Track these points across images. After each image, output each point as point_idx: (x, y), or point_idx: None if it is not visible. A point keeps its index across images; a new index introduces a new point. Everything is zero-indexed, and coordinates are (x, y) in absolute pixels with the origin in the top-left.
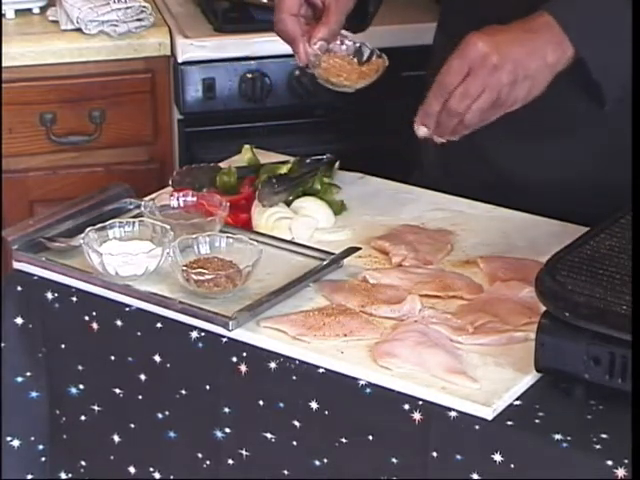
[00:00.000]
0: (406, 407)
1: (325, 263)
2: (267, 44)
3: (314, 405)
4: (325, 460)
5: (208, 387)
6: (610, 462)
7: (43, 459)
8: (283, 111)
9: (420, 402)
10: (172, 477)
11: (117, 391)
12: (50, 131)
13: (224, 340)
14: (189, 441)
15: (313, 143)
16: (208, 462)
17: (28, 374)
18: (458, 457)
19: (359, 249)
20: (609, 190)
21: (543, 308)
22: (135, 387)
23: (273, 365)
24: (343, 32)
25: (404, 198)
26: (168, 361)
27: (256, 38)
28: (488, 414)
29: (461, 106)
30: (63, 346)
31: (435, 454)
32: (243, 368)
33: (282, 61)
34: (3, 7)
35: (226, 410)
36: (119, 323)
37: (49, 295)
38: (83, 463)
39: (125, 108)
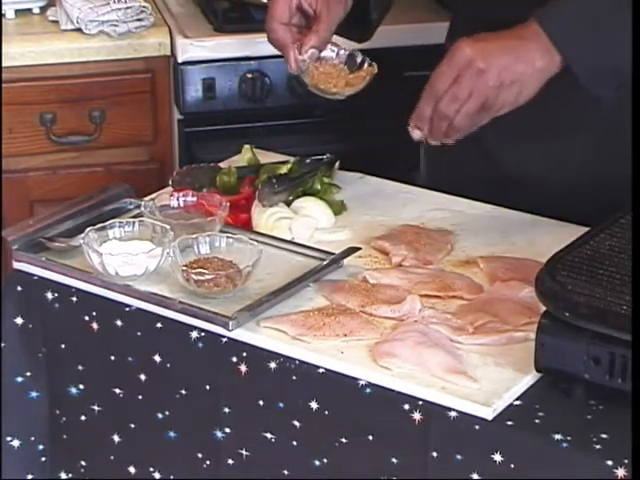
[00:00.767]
0: (406, 407)
1: (325, 263)
2: (267, 44)
3: (314, 405)
4: (325, 460)
5: (208, 387)
6: (610, 462)
7: (43, 459)
8: (283, 111)
9: (420, 402)
10: (172, 477)
11: (117, 391)
12: (50, 131)
13: (224, 340)
14: (189, 441)
15: (313, 143)
16: (208, 462)
17: (28, 374)
18: (458, 457)
19: (359, 249)
20: (609, 188)
21: (543, 308)
22: (135, 387)
23: (273, 365)
24: (335, 40)
25: (404, 198)
26: (168, 361)
27: (256, 38)
28: (488, 414)
29: (450, 109)
30: (63, 346)
31: (435, 454)
32: (243, 368)
33: (282, 61)
34: (3, 7)
35: (226, 410)
36: (119, 323)
37: (49, 295)
38: (83, 463)
39: (125, 108)
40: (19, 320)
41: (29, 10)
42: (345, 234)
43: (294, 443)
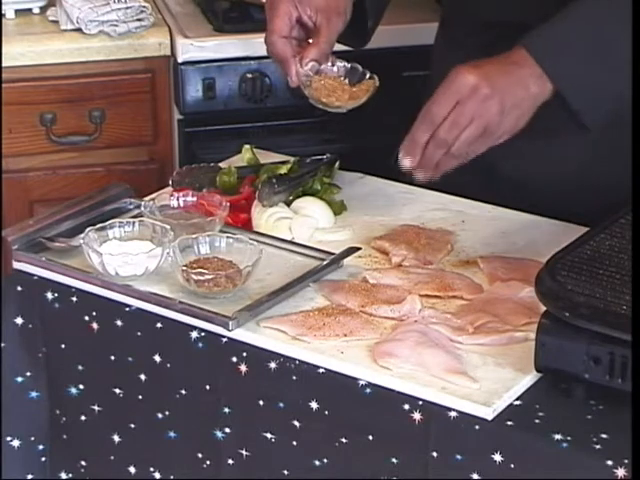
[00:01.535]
0: (406, 407)
1: (325, 263)
2: None
3: (314, 405)
4: (325, 460)
5: (208, 387)
6: (610, 462)
7: (43, 459)
8: (283, 111)
9: (420, 402)
10: (172, 477)
11: (117, 391)
12: (50, 131)
13: (224, 340)
14: (189, 441)
15: (313, 143)
16: (208, 462)
17: (28, 374)
18: (458, 457)
19: (359, 249)
20: (608, 188)
21: (543, 308)
22: (135, 387)
23: (273, 365)
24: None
25: (404, 198)
26: (168, 361)
27: (256, 38)
28: (488, 414)
29: (450, 136)
30: (63, 346)
31: (435, 454)
32: (243, 368)
33: None
34: (3, 7)
35: (226, 410)
36: (119, 323)
37: (49, 295)
38: (83, 463)
39: (125, 108)
40: (19, 320)
41: (29, 10)
42: (345, 234)
43: (294, 443)
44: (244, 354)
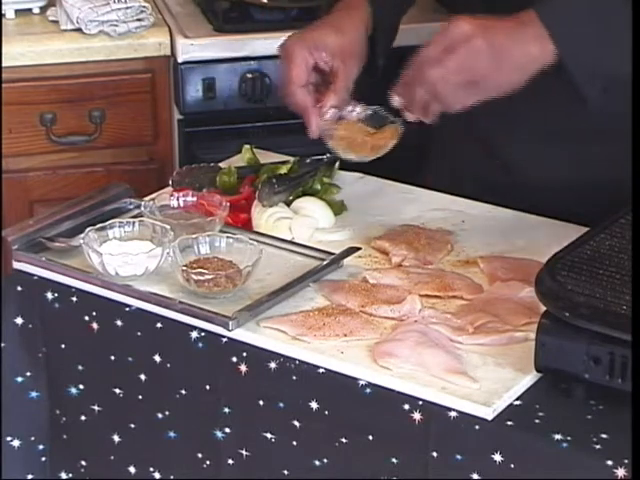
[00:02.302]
0: (406, 407)
1: (325, 263)
2: (267, 44)
3: (314, 405)
4: (325, 460)
5: (208, 387)
6: (610, 462)
7: (43, 459)
8: (283, 111)
9: (420, 402)
10: (172, 477)
11: (117, 391)
12: (50, 131)
13: (224, 340)
14: (189, 441)
15: (313, 143)
16: (208, 462)
17: (28, 374)
18: (458, 457)
19: (359, 249)
20: (608, 188)
21: (543, 308)
22: (135, 387)
23: (273, 365)
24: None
25: (404, 198)
26: (168, 361)
27: (256, 38)
28: (488, 414)
29: (433, 73)
30: (63, 346)
31: (435, 454)
32: (243, 368)
33: None
34: (3, 7)
35: (226, 410)
36: (119, 323)
37: (49, 295)
38: (83, 463)
39: (125, 108)
40: (19, 320)
41: (29, 10)
42: (345, 234)
43: (294, 443)
44: (244, 354)
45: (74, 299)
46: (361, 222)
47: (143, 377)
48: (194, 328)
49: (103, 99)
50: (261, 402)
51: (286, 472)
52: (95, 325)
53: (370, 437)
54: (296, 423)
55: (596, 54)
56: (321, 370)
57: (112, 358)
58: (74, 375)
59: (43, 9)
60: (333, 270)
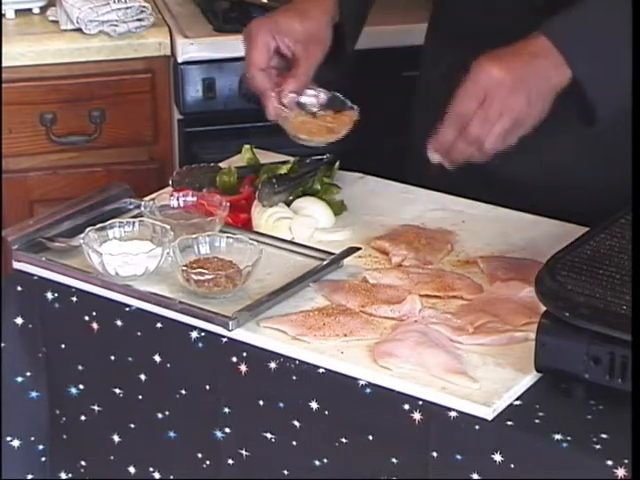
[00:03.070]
0: (406, 407)
1: (325, 263)
2: None
3: (314, 405)
4: (325, 460)
5: (208, 387)
6: (610, 462)
7: (43, 459)
8: None
9: (420, 402)
10: (172, 477)
11: (117, 391)
12: (50, 131)
13: (224, 340)
14: (189, 441)
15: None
16: (208, 462)
17: (28, 374)
18: (458, 457)
19: (359, 249)
20: (608, 188)
21: (543, 308)
22: (135, 387)
23: (273, 365)
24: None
25: (404, 198)
26: (168, 361)
27: None
28: (488, 414)
29: (482, 131)
30: (63, 346)
31: (435, 454)
32: (243, 368)
33: None
34: (3, 7)
35: (226, 410)
36: (119, 323)
37: (49, 295)
38: (83, 463)
39: (125, 108)
40: (19, 320)
41: (29, 10)
42: (345, 234)
43: (294, 443)
44: (244, 354)
45: (74, 299)
46: (361, 222)
47: (143, 377)
48: (194, 328)
49: (103, 99)
50: (261, 402)
51: (286, 472)
52: (95, 325)
53: (370, 437)
54: (296, 423)
55: (611, 72)
56: (321, 370)
57: (112, 358)
58: (74, 375)
59: (43, 9)
60: (333, 270)
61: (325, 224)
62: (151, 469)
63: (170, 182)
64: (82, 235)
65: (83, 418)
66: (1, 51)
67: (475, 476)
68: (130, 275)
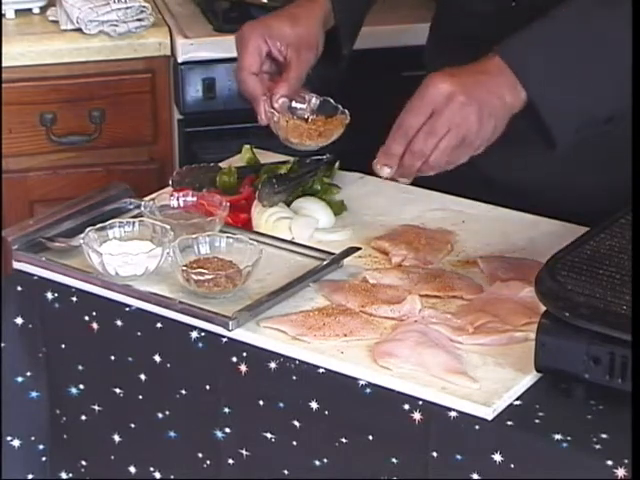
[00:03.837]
0: (406, 407)
1: (325, 263)
2: None
3: (314, 405)
4: (325, 460)
5: (208, 387)
6: (610, 462)
7: (43, 459)
8: None
9: (420, 402)
10: (172, 477)
11: (117, 391)
12: (50, 131)
13: (224, 340)
14: (189, 441)
15: None
16: (208, 462)
17: (28, 374)
18: (458, 457)
19: (359, 249)
20: (608, 189)
21: (543, 308)
22: (135, 387)
23: (273, 365)
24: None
25: (404, 198)
26: (168, 361)
27: None
28: (488, 414)
29: (427, 146)
30: (63, 346)
31: (435, 454)
32: (243, 368)
33: None
34: (3, 7)
35: (226, 410)
36: (119, 323)
37: (49, 295)
38: (83, 463)
39: (125, 108)
40: (19, 320)
41: (29, 10)
42: (345, 234)
43: (294, 443)
44: (244, 354)
45: (74, 299)
46: (361, 222)
47: (143, 377)
48: (194, 328)
49: (103, 99)
50: (261, 402)
51: (286, 472)
52: (95, 325)
53: (370, 437)
54: (296, 423)
55: (571, 95)
56: (321, 370)
57: (112, 358)
58: (74, 375)
59: (43, 9)
60: (333, 270)
61: (325, 224)
62: (151, 469)
63: (170, 182)
64: (82, 235)
65: (83, 418)
66: (1, 51)
67: (475, 476)
68: (130, 275)
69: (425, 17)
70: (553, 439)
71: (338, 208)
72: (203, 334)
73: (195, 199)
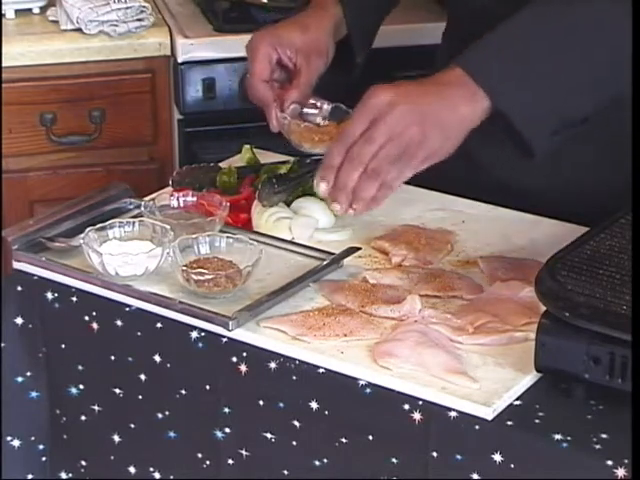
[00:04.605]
0: (406, 407)
1: (325, 263)
2: None
3: (314, 405)
4: (325, 460)
5: (208, 387)
6: (610, 462)
7: (43, 459)
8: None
9: (420, 402)
10: (172, 477)
11: (117, 391)
12: (50, 131)
13: (224, 340)
14: (189, 441)
15: None
16: (208, 462)
17: (28, 374)
18: (458, 457)
19: (359, 249)
20: (608, 189)
21: (543, 308)
22: (135, 387)
23: (273, 365)
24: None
25: (404, 198)
26: (168, 361)
27: None
28: (488, 414)
29: (364, 152)
30: (63, 346)
31: (435, 454)
32: (243, 368)
33: None
34: (3, 7)
35: (226, 410)
36: (119, 323)
37: (49, 295)
38: (83, 463)
39: (125, 108)
40: (19, 320)
41: (29, 10)
42: (345, 234)
43: (294, 443)
44: (244, 354)
45: (74, 299)
46: (361, 222)
47: (143, 377)
48: (194, 328)
49: (103, 99)
50: (261, 402)
51: (286, 472)
52: (95, 325)
53: (370, 437)
54: (296, 423)
55: (537, 96)
56: (321, 370)
57: (112, 358)
58: (74, 375)
59: (43, 9)
60: (333, 270)
61: (325, 224)
62: (151, 469)
63: (170, 182)
64: (82, 235)
65: (83, 418)
66: (1, 51)
67: (475, 476)
68: (130, 275)
69: (427, 17)
70: (553, 439)
71: None
72: (203, 334)
73: (195, 199)
